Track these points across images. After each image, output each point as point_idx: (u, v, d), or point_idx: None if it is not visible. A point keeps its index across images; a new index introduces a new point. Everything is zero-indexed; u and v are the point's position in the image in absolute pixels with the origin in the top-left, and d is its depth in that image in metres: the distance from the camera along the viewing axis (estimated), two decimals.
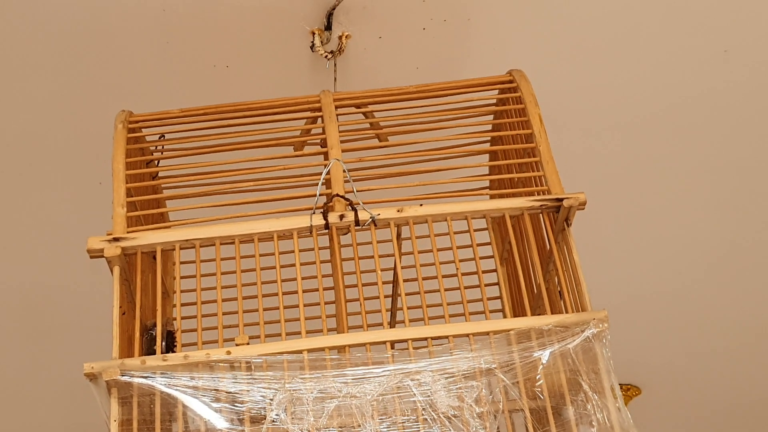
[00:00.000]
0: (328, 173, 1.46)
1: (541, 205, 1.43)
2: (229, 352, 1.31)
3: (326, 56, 1.81)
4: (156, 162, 1.61)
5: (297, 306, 1.39)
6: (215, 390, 1.29)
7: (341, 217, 1.42)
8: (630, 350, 2.71)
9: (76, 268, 2.12)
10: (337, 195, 1.44)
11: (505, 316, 1.42)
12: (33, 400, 2.67)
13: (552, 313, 1.40)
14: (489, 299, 1.45)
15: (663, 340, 2.70)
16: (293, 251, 1.43)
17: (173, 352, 1.40)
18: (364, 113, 1.64)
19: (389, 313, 1.62)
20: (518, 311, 1.57)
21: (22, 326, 2.41)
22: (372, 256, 1.44)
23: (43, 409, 2.70)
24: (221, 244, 1.43)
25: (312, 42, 1.81)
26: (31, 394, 2.64)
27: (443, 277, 1.42)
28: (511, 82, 1.58)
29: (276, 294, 1.41)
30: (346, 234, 1.45)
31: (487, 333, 1.33)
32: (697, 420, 3.08)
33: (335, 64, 1.82)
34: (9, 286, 2.29)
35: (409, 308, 1.40)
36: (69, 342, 2.39)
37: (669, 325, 2.65)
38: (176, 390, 1.29)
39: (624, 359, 2.75)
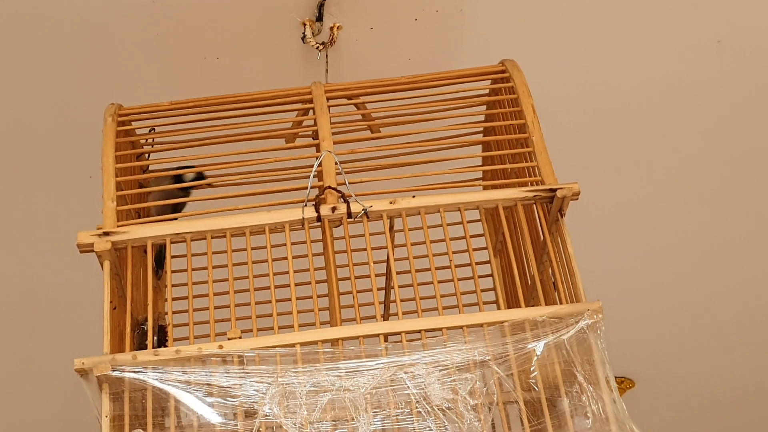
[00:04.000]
0: (319, 165, 1.45)
1: (534, 196, 1.42)
2: (221, 347, 1.30)
3: (317, 47, 1.80)
4: (147, 155, 1.60)
5: (289, 299, 1.38)
6: (207, 384, 1.28)
7: (333, 209, 1.41)
8: (624, 343, 2.70)
9: (67, 262, 2.10)
10: (329, 187, 1.42)
11: (499, 308, 1.41)
12: (24, 395, 2.66)
13: (546, 305, 1.39)
14: (483, 291, 1.44)
15: (657, 332, 2.70)
16: (285, 244, 1.42)
17: (165, 346, 1.39)
18: (356, 104, 1.63)
19: (382, 305, 1.60)
20: (512, 303, 1.56)
21: (12, 321, 2.40)
22: (365, 249, 1.43)
23: (34, 404, 2.69)
24: (212, 237, 1.42)
25: (303, 33, 1.79)
26: (22, 389, 2.63)
27: (437, 269, 1.41)
28: (503, 72, 1.57)
29: (268, 287, 1.40)
30: (339, 226, 1.44)
31: (481, 325, 1.32)
32: (691, 412, 3.08)
33: (326, 56, 1.80)
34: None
35: (402, 300, 1.39)
36: (61, 337, 2.38)
37: (662, 317, 2.65)
38: (168, 385, 1.27)
39: (618, 352, 2.73)
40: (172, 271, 1.42)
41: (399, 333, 1.33)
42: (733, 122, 2.06)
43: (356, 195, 1.43)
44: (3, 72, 1.85)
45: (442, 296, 1.38)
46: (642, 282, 2.52)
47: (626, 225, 2.34)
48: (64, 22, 1.76)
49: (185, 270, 1.42)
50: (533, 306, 1.43)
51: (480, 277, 1.44)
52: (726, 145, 2.12)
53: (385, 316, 1.60)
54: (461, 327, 1.32)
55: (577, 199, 1.41)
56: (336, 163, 1.45)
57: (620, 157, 2.13)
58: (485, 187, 1.67)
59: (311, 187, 1.43)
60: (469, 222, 1.46)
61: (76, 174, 2.02)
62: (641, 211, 2.30)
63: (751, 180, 2.21)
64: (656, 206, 2.29)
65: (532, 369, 1.29)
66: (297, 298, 1.39)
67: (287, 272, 1.41)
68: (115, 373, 1.26)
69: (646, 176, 2.19)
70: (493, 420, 1.31)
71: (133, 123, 1.57)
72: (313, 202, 1.41)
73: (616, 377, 2.88)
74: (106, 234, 1.37)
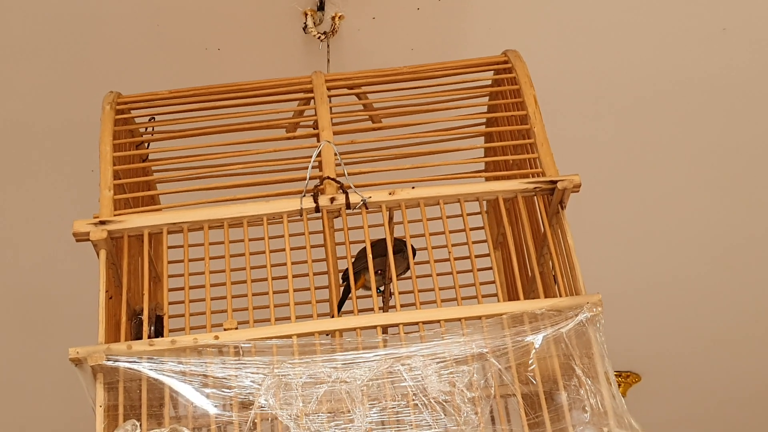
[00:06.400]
0: (318, 156, 1.44)
1: (534, 188, 1.40)
2: (216, 337, 1.29)
3: (319, 37, 1.78)
4: (146, 144, 1.58)
5: (287, 291, 1.37)
6: (203, 375, 1.27)
7: (332, 200, 1.39)
8: (630, 337, 2.70)
9: (71, 254, 2.10)
10: (328, 177, 1.41)
11: (498, 301, 1.40)
12: (23, 388, 2.66)
13: (546, 297, 1.38)
14: (482, 284, 1.42)
15: (663, 327, 2.69)
16: (284, 236, 1.41)
17: (162, 336, 1.39)
18: (357, 95, 1.61)
19: (380, 297, 1.59)
20: (513, 296, 1.54)
21: (16, 315, 2.40)
22: (364, 241, 1.42)
23: (33, 397, 2.69)
24: (210, 227, 1.41)
25: (305, 23, 1.78)
26: (21, 382, 2.63)
27: (436, 261, 1.40)
28: (506, 62, 1.55)
29: (266, 279, 1.39)
30: (339, 217, 1.42)
31: (480, 317, 1.31)
32: (696, 407, 3.06)
33: (328, 46, 1.79)
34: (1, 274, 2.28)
35: (401, 293, 1.38)
36: (64, 329, 2.38)
37: (669, 312, 2.63)
38: (163, 375, 1.27)
39: (624, 346, 2.74)
40: (169, 262, 1.41)
41: (397, 325, 1.31)
42: (740, 114, 2.04)
43: (356, 186, 1.42)
44: (3, 65, 1.84)
45: (440, 289, 1.37)
46: (650, 277, 2.50)
47: (635, 219, 2.33)
48: (64, 13, 1.75)
49: (182, 261, 1.41)
50: (533, 299, 1.41)
51: (480, 270, 1.43)
52: (731, 136, 2.10)
53: (385, 309, 1.59)
54: (459, 319, 1.31)
55: (578, 191, 1.39)
56: (335, 154, 1.44)
57: (625, 150, 2.11)
58: (488, 179, 1.66)
59: (310, 178, 1.42)
60: (470, 214, 1.44)
61: (76, 167, 2.01)
62: (651, 206, 2.29)
63: (757, 173, 2.19)
64: (666, 201, 2.27)
65: (530, 362, 1.27)
66: (295, 290, 1.37)
67: (285, 264, 1.39)
68: (110, 363, 1.26)
69: (654, 169, 2.17)
70: (492, 413, 1.30)
71: (132, 112, 1.56)
72: (312, 193, 1.40)
73: (622, 372, 2.88)
74: (102, 223, 1.36)
